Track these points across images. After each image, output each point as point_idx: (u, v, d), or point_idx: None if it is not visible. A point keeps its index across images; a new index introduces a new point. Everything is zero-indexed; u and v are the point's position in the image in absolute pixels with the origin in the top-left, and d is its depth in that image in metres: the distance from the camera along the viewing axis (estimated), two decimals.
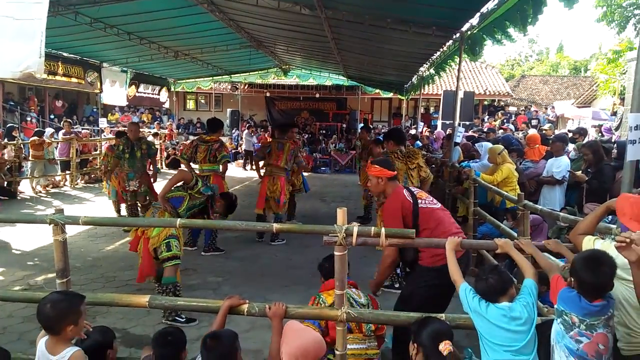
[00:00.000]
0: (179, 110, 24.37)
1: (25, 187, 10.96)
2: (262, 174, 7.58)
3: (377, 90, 18.39)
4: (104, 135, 14.27)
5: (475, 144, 8.35)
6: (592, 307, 2.11)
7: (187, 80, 17.26)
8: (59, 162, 11.79)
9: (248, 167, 16.50)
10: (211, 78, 16.89)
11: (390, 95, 19.05)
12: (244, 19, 8.69)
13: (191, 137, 16.29)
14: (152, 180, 7.91)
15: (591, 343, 2.11)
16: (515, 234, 4.08)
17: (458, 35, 6.67)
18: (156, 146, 15.07)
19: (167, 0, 7.30)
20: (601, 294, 2.15)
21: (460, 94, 9.58)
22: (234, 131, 19.57)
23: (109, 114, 20.12)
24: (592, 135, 12.68)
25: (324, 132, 20.69)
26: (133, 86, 14.24)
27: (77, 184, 12.04)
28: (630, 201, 2.34)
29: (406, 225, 3.22)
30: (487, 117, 22.46)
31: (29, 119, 16.67)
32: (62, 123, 13.17)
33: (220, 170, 6.79)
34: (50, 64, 10.36)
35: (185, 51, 11.64)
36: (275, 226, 2.89)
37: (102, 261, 6.21)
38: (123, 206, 7.93)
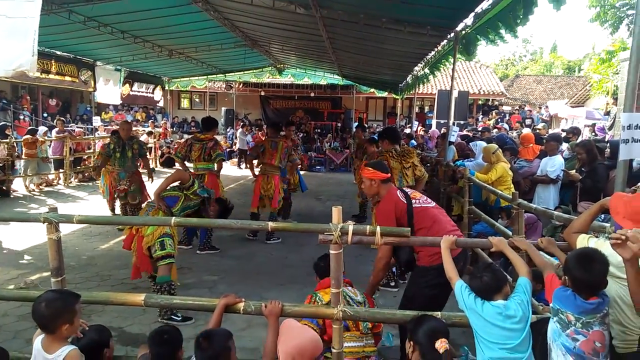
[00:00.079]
0: (173, 108, 24.30)
1: (18, 186, 10.89)
2: (256, 173, 7.57)
3: (372, 90, 18.44)
4: (98, 134, 14.21)
5: (470, 143, 8.39)
6: (588, 305, 2.13)
7: (182, 79, 17.23)
8: (52, 160, 11.74)
9: (243, 165, 16.49)
10: (206, 77, 16.88)
11: (385, 94, 19.09)
12: (239, 18, 8.68)
13: (185, 136, 16.26)
14: (149, 179, 7.87)
15: (588, 341, 2.13)
16: (510, 233, 4.11)
17: (452, 35, 6.69)
18: (148, 146, 15.11)
19: None
20: (595, 291, 2.16)
21: (455, 94, 9.64)
22: (228, 130, 19.54)
23: (103, 113, 20.02)
24: (585, 134, 12.76)
25: (319, 131, 20.70)
26: (127, 85, 14.19)
27: (70, 182, 11.99)
28: (623, 200, 2.36)
29: (401, 226, 3.23)
30: (481, 116, 22.54)
31: (21, 117, 16.56)
32: (55, 121, 13.09)
33: (215, 168, 6.77)
34: (44, 63, 10.32)
35: (179, 50, 11.61)
36: (271, 225, 2.89)
37: (96, 260, 6.19)
38: (118, 204, 7.89)
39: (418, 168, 5.67)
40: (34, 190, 10.82)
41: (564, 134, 9.58)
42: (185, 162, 6.88)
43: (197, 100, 25.15)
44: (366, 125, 16.55)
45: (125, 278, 5.34)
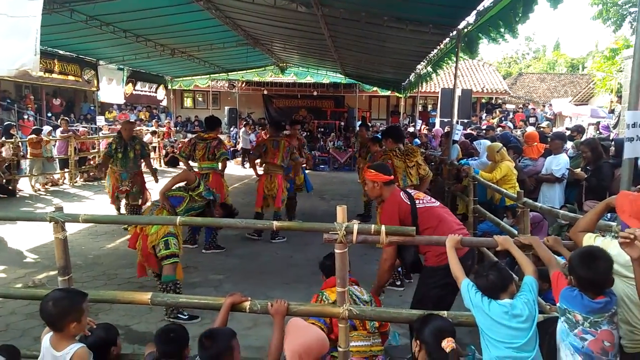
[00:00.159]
0: (177, 108, 24.33)
1: (24, 185, 10.94)
2: (259, 172, 7.57)
3: (375, 88, 18.41)
4: (102, 133, 14.25)
5: (474, 142, 8.37)
6: (595, 304, 2.13)
7: (184, 78, 17.26)
8: (57, 160, 11.78)
9: (247, 165, 16.49)
10: (208, 76, 16.89)
11: (388, 93, 19.07)
12: (241, 17, 8.69)
13: (189, 135, 16.28)
14: (154, 180, 7.85)
15: (596, 340, 2.13)
16: (516, 232, 4.10)
17: (455, 33, 6.68)
18: (152, 146, 15.14)
19: None
20: (601, 289, 2.16)
21: (458, 92, 9.60)
22: (232, 129, 19.57)
23: (107, 112, 20.06)
24: (590, 132, 12.72)
25: (322, 130, 20.69)
26: (130, 84, 14.23)
27: (76, 182, 12.03)
28: (629, 198, 2.36)
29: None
30: (485, 114, 22.50)
31: (26, 117, 16.61)
32: (59, 121, 13.14)
33: (219, 168, 6.78)
34: (47, 62, 10.36)
35: (182, 49, 11.63)
36: (275, 224, 2.89)
37: (103, 259, 6.22)
38: (124, 203, 7.89)
39: (422, 167, 5.66)
40: (39, 190, 10.86)
41: (568, 133, 9.57)
42: (190, 162, 6.89)
43: (200, 99, 25.17)
44: (369, 124, 16.54)
45: (131, 277, 5.36)
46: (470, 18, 6.01)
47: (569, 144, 7.95)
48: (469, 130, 11.99)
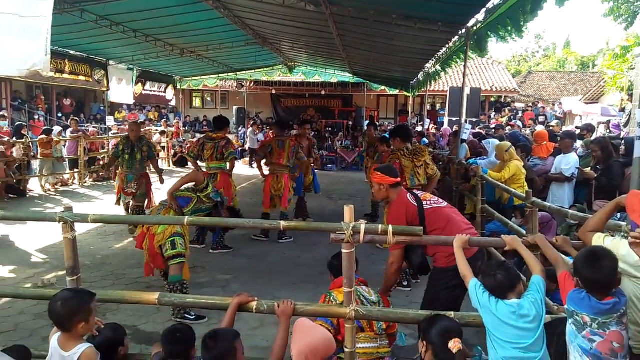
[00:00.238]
0: (185, 107, 24.42)
1: (34, 186, 11.03)
2: (265, 173, 7.58)
3: (383, 87, 18.36)
4: (111, 134, 14.34)
5: (482, 141, 8.32)
6: (602, 305, 2.11)
7: (193, 78, 17.31)
8: (67, 160, 11.86)
9: (254, 165, 16.49)
10: (217, 75, 16.93)
11: (396, 92, 19.00)
12: (249, 16, 8.71)
13: (198, 135, 16.33)
14: (160, 181, 7.83)
15: (605, 341, 2.10)
16: (524, 232, 4.07)
17: (464, 31, 6.64)
18: (161, 145, 15.19)
19: None
20: (607, 290, 2.14)
21: (467, 91, 9.53)
22: (240, 129, 19.61)
23: (116, 112, 20.18)
24: (600, 131, 12.60)
25: (330, 129, 20.67)
26: (139, 84, 14.30)
27: (85, 182, 12.11)
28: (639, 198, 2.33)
29: None
30: (494, 113, 22.36)
31: (36, 117, 16.74)
32: (69, 121, 13.23)
33: (228, 167, 6.79)
34: (57, 62, 10.43)
35: (191, 49, 11.68)
36: (283, 224, 2.88)
37: (111, 259, 6.25)
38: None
39: (430, 166, 5.63)
40: (49, 190, 10.95)
41: (578, 132, 9.48)
42: (198, 162, 6.90)
43: (208, 99, 25.26)
44: (377, 124, 16.50)
45: (139, 277, 5.39)
46: (480, 16, 5.97)
47: (579, 143, 7.87)
48: (477, 130, 11.93)
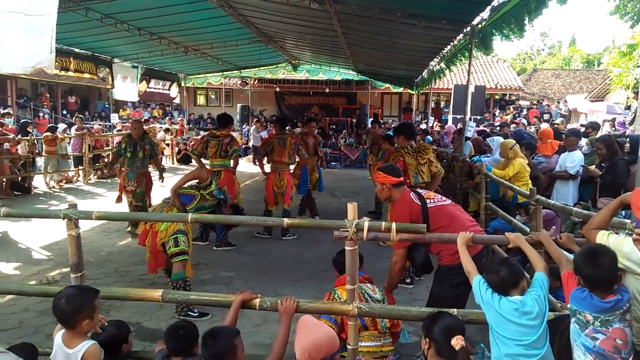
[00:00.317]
0: (190, 105, 24.46)
1: (39, 183, 11.09)
2: (266, 171, 7.57)
3: (387, 85, 18.32)
4: (116, 131, 14.37)
5: (487, 139, 8.30)
6: (604, 304, 2.10)
7: (198, 76, 17.33)
8: (71, 157, 11.90)
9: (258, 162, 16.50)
10: (221, 73, 16.94)
11: (401, 89, 18.96)
12: (254, 14, 8.71)
13: (202, 133, 16.35)
14: (160, 179, 7.82)
15: (608, 339, 2.10)
16: (528, 229, 4.06)
17: (469, 29, 6.62)
18: (163, 144, 15.19)
19: None
20: (609, 287, 2.13)
21: (471, 88, 9.53)
22: (244, 126, 19.62)
23: (121, 110, 20.24)
24: (605, 129, 12.55)
25: (333, 127, 20.65)
26: (144, 82, 14.33)
27: (89, 179, 12.16)
28: None
29: None
30: (498, 111, 22.29)
31: (41, 114, 16.81)
32: (74, 119, 13.27)
33: (232, 165, 6.79)
34: (62, 60, 10.47)
35: (195, 46, 11.68)
36: (286, 221, 2.88)
37: (115, 256, 6.27)
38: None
39: (434, 164, 5.62)
40: (54, 187, 11.00)
41: (583, 129, 9.45)
42: (202, 159, 6.91)
43: (212, 96, 25.29)
44: (381, 121, 16.47)
45: (143, 274, 5.40)
46: (485, 14, 5.94)
47: (584, 141, 7.85)
48: (481, 127, 11.90)
